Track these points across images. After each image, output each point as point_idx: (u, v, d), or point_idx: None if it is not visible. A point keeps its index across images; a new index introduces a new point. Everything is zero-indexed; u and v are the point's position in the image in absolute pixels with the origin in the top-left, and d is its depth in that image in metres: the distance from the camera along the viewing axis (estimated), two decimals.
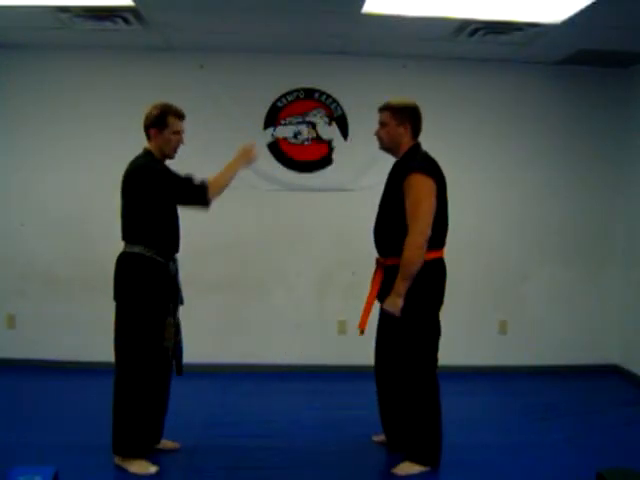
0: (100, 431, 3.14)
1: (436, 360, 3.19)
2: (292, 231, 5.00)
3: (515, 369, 5.04)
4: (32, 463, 2.89)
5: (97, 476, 3.08)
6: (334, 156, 4.99)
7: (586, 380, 4.94)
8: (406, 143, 3.22)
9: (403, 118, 3.19)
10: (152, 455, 3.24)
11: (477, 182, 4.98)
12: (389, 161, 3.38)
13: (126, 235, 3.12)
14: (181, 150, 3.25)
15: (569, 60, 4.83)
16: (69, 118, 4.85)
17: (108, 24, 4.17)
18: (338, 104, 4.95)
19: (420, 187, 3.05)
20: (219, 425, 3.82)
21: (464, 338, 4.89)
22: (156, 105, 3.15)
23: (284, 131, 4.96)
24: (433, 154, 3.23)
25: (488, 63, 4.93)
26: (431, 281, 3.10)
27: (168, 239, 3.14)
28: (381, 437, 3.54)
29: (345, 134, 4.98)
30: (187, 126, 3.23)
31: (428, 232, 3.04)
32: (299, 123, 4.96)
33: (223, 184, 3.23)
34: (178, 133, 3.17)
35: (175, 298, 3.20)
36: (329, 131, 4.97)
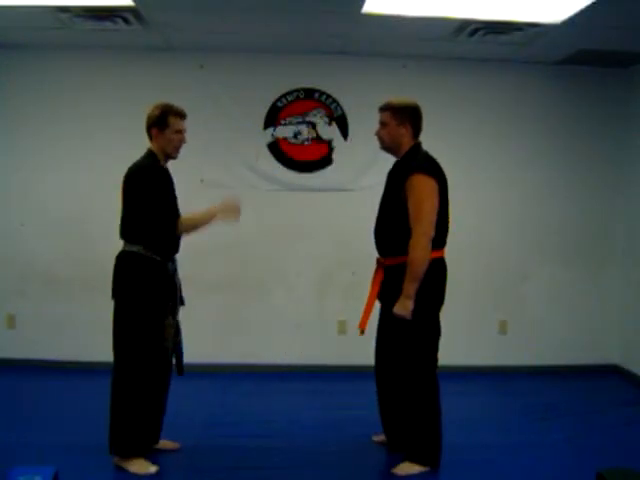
0: (100, 431, 3.14)
1: (436, 360, 3.19)
2: (292, 231, 5.00)
3: (515, 369, 5.04)
4: (32, 463, 2.89)
5: (97, 476, 3.08)
6: (334, 156, 4.99)
7: (586, 380, 4.94)
8: (407, 143, 3.22)
9: (404, 118, 3.19)
10: (152, 455, 3.24)
11: (477, 182, 4.99)
12: (389, 161, 3.38)
13: (125, 234, 3.12)
14: (181, 150, 3.24)
15: (569, 60, 4.83)
16: (69, 118, 4.85)
17: (108, 24, 4.17)
18: (338, 104, 4.95)
19: (422, 187, 3.05)
20: (219, 425, 3.82)
21: (464, 338, 4.88)
22: (157, 105, 3.16)
23: (284, 131, 4.96)
24: (433, 154, 3.23)
25: (488, 63, 4.94)
26: (432, 281, 3.09)
27: (166, 238, 3.13)
28: (381, 437, 3.54)
29: (345, 134, 4.98)
30: (187, 126, 3.23)
31: (432, 232, 3.04)
32: (299, 123, 4.96)
33: (190, 229, 3.20)
34: (180, 132, 3.17)
35: (174, 298, 3.20)
36: (329, 131, 4.97)
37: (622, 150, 5.09)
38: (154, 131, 3.14)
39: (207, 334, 4.76)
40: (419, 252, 3.02)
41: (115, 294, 3.11)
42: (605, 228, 5.19)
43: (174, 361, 3.27)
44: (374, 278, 3.32)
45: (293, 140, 4.97)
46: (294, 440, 3.61)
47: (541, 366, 5.08)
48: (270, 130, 4.95)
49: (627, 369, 5.04)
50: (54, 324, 4.86)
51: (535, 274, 5.13)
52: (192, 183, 4.65)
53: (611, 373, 5.12)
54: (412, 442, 3.21)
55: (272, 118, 4.94)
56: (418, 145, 3.25)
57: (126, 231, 3.12)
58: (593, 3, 3.51)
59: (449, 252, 3.23)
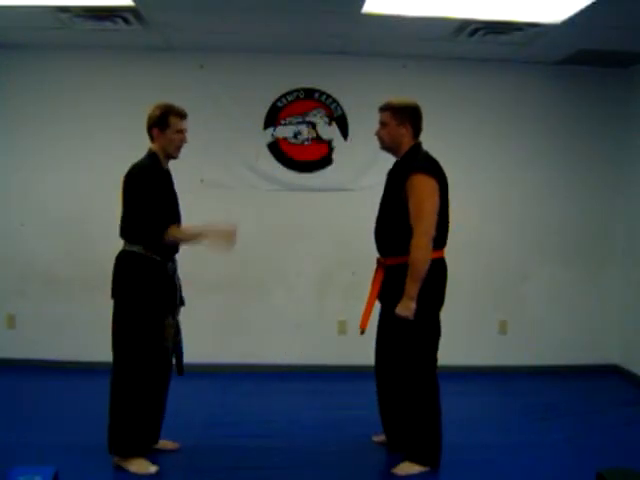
0: (100, 431, 3.14)
1: (436, 360, 3.19)
2: (292, 231, 5.00)
3: (515, 369, 5.04)
4: (32, 463, 2.89)
5: (97, 476, 3.08)
6: (334, 156, 4.99)
7: (586, 380, 4.94)
8: (407, 143, 3.22)
9: (404, 118, 3.19)
10: (152, 455, 3.24)
11: (477, 182, 4.98)
12: (389, 161, 3.38)
13: (125, 234, 3.12)
14: (182, 150, 3.24)
15: (569, 60, 4.83)
16: (69, 118, 4.85)
17: (108, 24, 4.17)
18: (338, 104, 4.95)
19: (423, 187, 3.05)
20: (219, 425, 3.82)
21: (464, 338, 4.88)
22: (158, 105, 3.16)
23: (284, 131, 4.96)
24: (433, 154, 3.23)
25: (488, 63, 4.94)
26: (432, 281, 3.09)
27: (153, 242, 3.13)
28: (381, 437, 3.54)
29: (345, 134, 4.98)
30: (187, 126, 3.23)
31: (432, 232, 3.04)
32: (299, 123, 4.96)
33: (179, 240, 3.16)
34: (181, 132, 3.17)
35: (174, 298, 3.20)
36: (329, 131, 4.97)
37: (622, 150, 5.09)
38: (155, 131, 3.13)
39: (207, 334, 4.76)
40: (421, 252, 3.02)
41: (114, 294, 3.11)
42: (605, 228, 5.19)
43: (174, 361, 3.27)
44: (374, 278, 3.32)
45: (293, 140, 4.97)
46: (294, 440, 3.61)
47: (541, 366, 5.08)
48: (270, 130, 4.95)
49: (627, 369, 5.04)
50: (54, 324, 4.86)
51: (535, 274, 5.13)
52: (192, 183, 4.65)
53: (611, 373, 5.12)
54: (412, 442, 3.21)
55: (272, 118, 4.94)
56: (418, 145, 3.25)
57: (126, 231, 3.12)
58: (593, 3, 3.51)
59: (449, 252, 3.23)
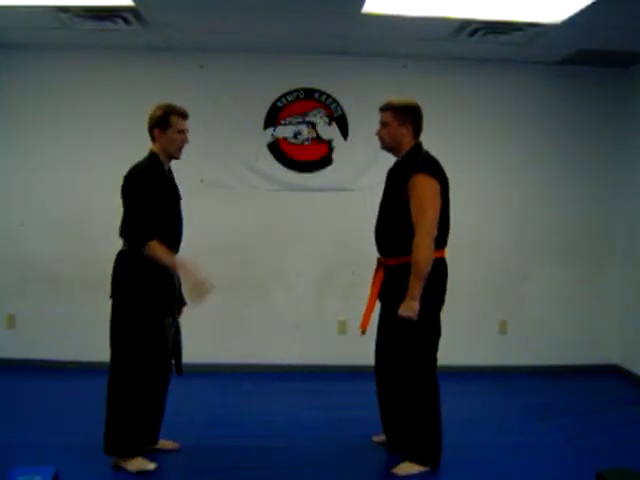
0: (100, 431, 3.13)
1: (436, 360, 3.19)
2: (292, 231, 5.00)
3: (515, 369, 5.04)
4: (32, 463, 2.89)
5: (97, 476, 3.08)
6: (334, 156, 4.99)
7: (586, 380, 4.94)
8: (407, 143, 3.22)
9: (405, 118, 3.19)
10: (152, 455, 3.24)
11: (477, 182, 4.98)
12: (389, 161, 3.38)
13: (124, 234, 3.12)
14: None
15: (569, 60, 4.83)
16: (69, 118, 4.85)
17: (108, 24, 4.17)
18: (338, 104, 4.95)
19: (424, 187, 3.05)
20: (219, 425, 3.83)
21: (464, 338, 4.88)
22: (159, 105, 3.15)
23: (284, 131, 4.96)
24: (433, 154, 3.23)
25: (488, 63, 4.93)
26: (432, 281, 3.08)
27: (164, 240, 3.11)
28: (381, 437, 3.54)
29: (345, 134, 4.98)
30: (187, 126, 3.22)
31: (434, 232, 3.04)
32: (299, 123, 4.96)
33: (155, 257, 3.04)
34: (182, 132, 3.16)
35: (173, 298, 3.20)
36: (329, 131, 4.97)
37: (622, 150, 5.09)
38: (156, 131, 3.13)
39: (207, 334, 4.76)
40: (423, 252, 3.02)
41: (113, 294, 3.11)
42: (605, 228, 5.19)
43: (173, 361, 3.27)
44: (375, 278, 3.32)
45: (293, 140, 4.97)
46: (294, 440, 3.61)
47: (541, 366, 5.08)
48: (270, 130, 4.95)
49: (627, 369, 5.04)
50: (54, 324, 4.86)
51: (535, 274, 5.13)
52: (192, 183, 4.64)
53: (611, 373, 5.12)
54: (412, 442, 3.21)
55: (272, 118, 4.94)
56: (419, 145, 3.25)
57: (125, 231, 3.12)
58: (593, 3, 3.51)
59: (449, 252, 3.23)
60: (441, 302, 3.20)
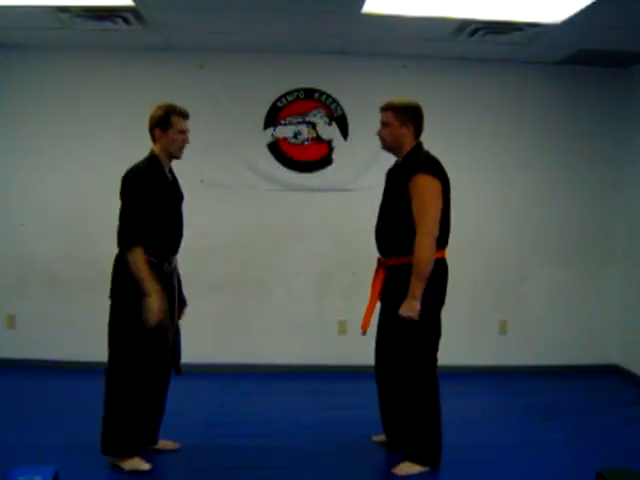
0: (100, 431, 3.14)
1: (436, 360, 3.19)
2: (292, 231, 5.00)
3: (515, 369, 5.04)
4: (32, 463, 2.89)
5: (97, 476, 3.08)
6: (334, 156, 4.99)
7: (586, 380, 4.94)
8: (408, 143, 3.22)
9: (406, 118, 3.19)
10: (152, 455, 3.24)
11: (477, 182, 4.98)
12: (389, 161, 3.38)
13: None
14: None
15: (569, 60, 4.83)
16: (69, 118, 4.85)
17: (108, 24, 4.17)
18: (338, 104, 4.95)
19: (426, 187, 3.05)
20: (219, 425, 3.82)
21: (464, 338, 4.88)
22: (160, 106, 3.15)
23: (284, 131, 4.96)
24: (433, 154, 3.23)
25: (488, 63, 4.93)
26: (433, 281, 3.08)
27: (161, 241, 3.11)
28: (381, 437, 3.54)
29: (345, 134, 4.97)
30: (188, 126, 3.22)
31: (436, 232, 3.05)
32: (299, 123, 4.96)
33: (133, 268, 2.99)
34: (183, 132, 3.16)
35: (172, 299, 3.19)
36: (329, 131, 4.97)
37: (622, 150, 5.09)
38: (157, 131, 3.12)
39: (207, 334, 4.76)
40: (424, 252, 3.02)
41: (112, 294, 3.11)
42: (605, 228, 5.19)
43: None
44: (375, 278, 3.32)
45: (293, 140, 4.97)
46: (294, 440, 3.61)
47: (541, 366, 5.08)
48: (270, 130, 4.95)
49: (627, 369, 5.04)
50: (54, 324, 4.86)
51: (535, 274, 5.13)
52: (192, 183, 4.63)
53: (611, 373, 5.12)
54: (412, 442, 3.21)
55: (272, 118, 4.94)
56: (419, 145, 3.25)
57: None
58: (593, 3, 3.51)
59: (449, 252, 3.22)
60: (441, 302, 3.20)
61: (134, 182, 3.04)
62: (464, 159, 4.86)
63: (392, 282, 3.17)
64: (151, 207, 3.03)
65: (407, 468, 3.18)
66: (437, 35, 4.33)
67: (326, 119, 4.97)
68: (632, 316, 4.99)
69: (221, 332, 4.95)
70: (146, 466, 3.12)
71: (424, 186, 3.05)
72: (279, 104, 4.94)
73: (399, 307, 3.06)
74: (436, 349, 3.19)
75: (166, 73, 4.82)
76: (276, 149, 4.97)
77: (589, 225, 5.17)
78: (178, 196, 3.29)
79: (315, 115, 4.95)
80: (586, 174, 5.13)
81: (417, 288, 3.01)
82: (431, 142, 3.30)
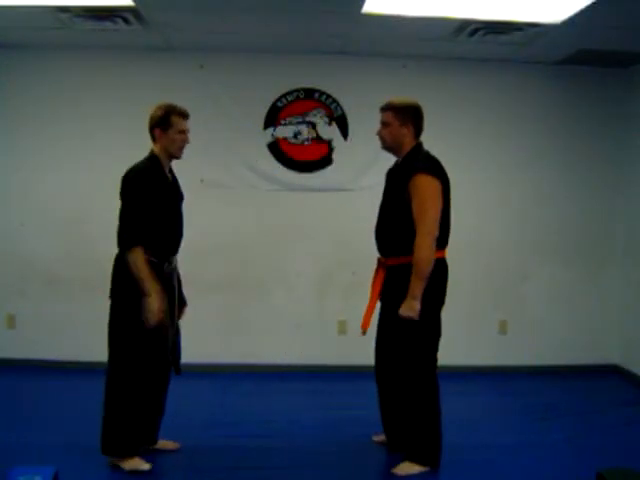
0: (100, 431, 3.14)
1: (436, 360, 3.19)
2: (292, 231, 5.00)
3: (515, 369, 5.04)
4: (32, 463, 2.89)
5: (97, 476, 3.08)
6: (334, 156, 4.99)
7: (586, 380, 4.94)
8: (409, 143, 3.22)
9: (406, 118, 3.19)
10: (151, 455, 3.24)
11: (477, 182, 4.98)
12: (389, 161, 3.39)
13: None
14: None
15: (569, 60, 4.83)
16: (69, 118, 4.85)
17: (108, 24, 4.17)
18: (338, 104, 4.95)
19: (426, 187, 3.05)
20: (219, 425, 3.82)
21: (464, 338, 4.88)
22: (160, 105, 3.14)
23: (284, 131, 4.96)
24: (433, 154, 3.23)
25: (488, 63, 4.93)
26: (433, 281, 3.08)
27: (161, 241, 3.11)
28: (381, 437, 3.54)
29: (345, 134, 4.97)
30: (188, 126, 3.22)
31: (436, 232, 3.05)
32: (299, 123, 4.96)
33: (133, 267, 2.99)
34: (183, 132, 3.16)
35: (172, 299, 3.19)
36: (329, 131, 4.97)
37: (622, 150, 5.09)
38: (157, 132, 3.12)
39: (207, 334, 4.76)
40: (425, 252, 3.02)
41: (112, 294, 3.10)
42: (605, 228, 5.18)
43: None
44: (375, 278, 3.32)
45: (293, 140, 4.97)
46: (294, 440, 3.61)
47: (541, 366, 5.08)
48: (270, 130, 4.95)
49: (627, 369, 5.04)
50: (54, 324, 4.86)
51: (535, 274, 5.13)
52: (192, 183, 4.63)
53: (611, 373, 5.12)
54: (412, 442, 3.21)
55: (272, 118, 4.94)
56: (420, 145, 3.25)
57: None
58: (593, 3, 3.51)
59: (449, 252, 3.23)
60: (441, 302, 3.20)
61: (134, 182, 3.04)
62: (464, 159, 4.86)
63: (392, 282, 3.17)
64: (151, 207, 3.03)
65: (407, 468, 3.18)
66: (437, 35, 4.33)
67: (326, 119, 4.97)
68: (632, 316, 4.99)
69: (221, 332, 4.95)
70: (146, 466, 3.12)
71: (424, 186, 3.05)
72: (279, 104, 4.94)
73: (399, 307, 3.06)
74: (436, 349, 3.19)
75: (166, 73, 4.82)
76: (276, 149, 4.97)
77: (589, 225, 5.17)
78: (178, 196, 3.29)
79: (315, 115, 4.95)
80: (586, 174, 5.13)
81: (417, 288, 3.02)
82: (431, 142, 3.30)
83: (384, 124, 3.24)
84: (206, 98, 4.81)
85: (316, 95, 4.95)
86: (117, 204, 3.14)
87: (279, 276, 5.03)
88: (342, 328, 4.99)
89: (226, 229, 4.94)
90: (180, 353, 3.31)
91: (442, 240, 3.14)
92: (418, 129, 3.23)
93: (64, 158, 4.87)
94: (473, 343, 5.05)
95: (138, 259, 2.98)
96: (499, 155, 5.07)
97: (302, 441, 3.60)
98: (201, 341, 4.48)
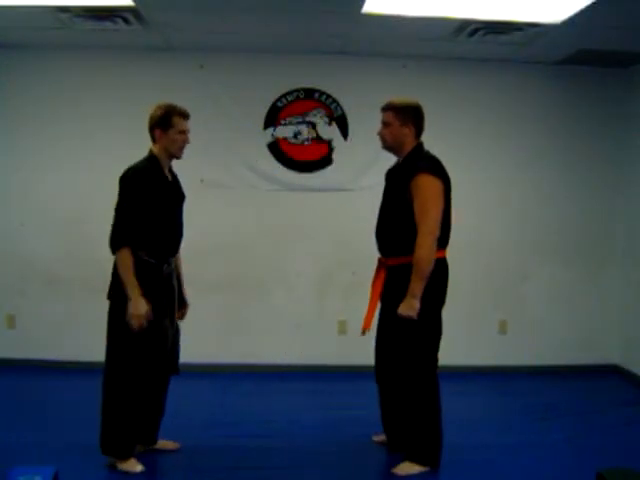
0: (99, 431, 3.14)
1: (436, 360, 3.19)
2: (292, 231, 5.00)
3: (515, 369, 5.04)
4: (32, 463, 2.89)
5: (97, 476, 3.08)
6: (334, 156, 4.98)
7: (586, 380, 4.94)
8: (409, 143, 3.22)
9: (407, 118, 3.19)
10: (151, 455, 3.24)
11: (477, 182, 4.98)
12: (389, 161, 3.38)
13: None
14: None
15: (569, 60, 4.83)
16: (69, 118, 4.85)
17: (108, 24, 4.17)
18: (338, 104, 4.95)
19: (428, 187, 3.06)
20: (219, 425, 3.82)
21: (464, 338, 4.88)
22: (160, 105, 3.13)
23: (284, 131, 4.96)
24: (433, 154, 3.23)
25: (488, 63, 4.93)
26: (434, 281, 3.08)
27: (159, 242, 3.10)
28: (381, 437, 3.54)
29: (345, 134, 4.97)
30: (189, 126, 3.22)
31: (437, 232, 3.05)
32: (299, 123, 4.96)
33: (120, 268, 3.00)
34: (183, 132, 3.15)
35: (171, 300, 3.19)
36: (329, 131, 4.97)
37: (622, 150, 5.09)
38: (157, 132, 3.11)
39: (207, 334, 4.76)
40: (425, 251, 3.02)
41: (111, 294, 3.09)
42: (605, 228, 5.19)
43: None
44: (376, 278, 3.32)
45: (293, 140, 4.97)
46: (294, 440, 3.61)
47: (541, 366, 5.08)
48: (270, 130, 4.95)
49: (627, 369, 5.04)
50: (54, 324, 4.86)
51: (535, 274, 5.13)
52: (192, 183, 4.62)
53: (611, 373, 5.12)
54: (412, 442, 3.21)
55: (272, 118, 4.94)
56: (420, 145, 3.25)
57: None
58: (593, 3, 3.51)
59: (449, 252, 3.22)
60: (442, 302, 3.20)
61: (129, 182, 3.03)
62: (464, 159, 4.86)
63: (393, 282, 3.17)
64: (147, 208, 3.02)
65: (407, 468, 3.18)
66: (437, 35, 4.33)
67: (326, 119, 4.97)
68: (632, 316, 4.99)
69: (221, 332, 4.95)
70: (138, 468, 3.11)
71: (426, 186, 3.06)
72: (279, 104, 4.94)
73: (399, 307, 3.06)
74: (437, 349, 3.19)
75: (166, 73, 4.82)
76: (276, 149, 4.97)
77: (589, 225, 5.17)
78: (178, 196, 3.28)
79: (315, 115, 4.95)
80: (586, 174, 5.13)
81: (417, 287, 3.02)
82: (431, 142, 3.30)
83: (385, 124, 3.24)
84: (206, 98, 4.81)
85: (316, 95, 4.95)
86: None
87: (279, 276, 5.03)
88: (342, 328, 4.99)
89: (226, 229, 4.94)
90: (179, 353, 3.31)
91: (443, 240, 3.14)
92: (419, 129, 3.23)
93: (64, 158, 4.87)
94: (473, 343, 5.05)
95: (125, 261, 2.97)
96: (499, 155, 5.07)
97: (302, 441, 3.60)
98: (201, 341, 4.48)
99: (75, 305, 4.86)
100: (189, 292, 3.44)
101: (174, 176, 3.28)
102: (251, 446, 3.49)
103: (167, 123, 3.09)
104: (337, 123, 4.97)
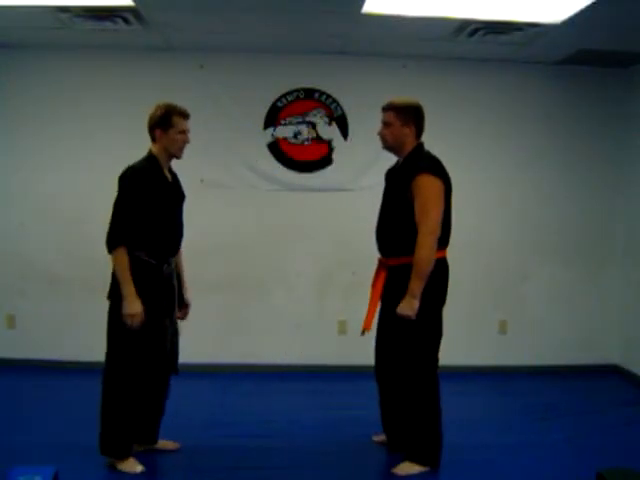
0: (98, 431, 3.14)
1: (437, 360, 3.19)
2: (292, 231, 5.00)
3: (515, 369, 5.04)
4: (32, 463, 2.89)
5: (97, 476, 3.08)
6: (334, 156, 4.98)
7: (586, 380, 4.94)
8: (410, 143, 3.22)
9: (407, 118, 3.19)
10: (151, 455, 3.24)
11: (477, 182, 4.98)
12: (389, 161, 3.39)
13: None
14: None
15: (569, 60, 4.83)
16: (69, 118, 4.85)
17: (108, 24, 4.17)
18: (338, 104, 4.95)
19: (429, 187, 3.06)
20: (219, 425, 3.83)
21: (464, 338, 4.88)
22: (160, 105, 3.13)
23: (284, 131, 4.96)
24: (433, 154, 3.23)
25: (488, 63, 4.93)
26: (434, 281, 3.09)
27: (159, 242, 3.10)
28: (381, 437, 3.54)
29: (345, 134, 4.97)
30: (189, 126, 3.22)
31: (438, 232, 3.05)
32: (299, 123, 4.96)
33: (116, 267, 3.00)
34: (183, 132, 3.15)
35: (171, 300, 3.19)
36: (329, 131, 4.97)
37: (622, 150, 5.09)
38: (157, 132, 3.11)
39: (207, 334, 4.76)
40: (426, 251, 3.02)
41: (111, 294, 3.09)
42: (605, 228, 5.19)
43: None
44: (376, 279, 3.31)
45: (293, 140, 4.97)
46: (294, 440, 3.61)
47: (541, 366, 5.08)
48: (270, 130, 4.95)
49: (627, 369, 5.04)
50: (54, 324, 4.86)
51: (535, 274, 5.13)
52: (192, 183, 4.62)
53: (611, 373, 5.12)
54: (412, 442, 3.21)
55: (272, 118, 4.94)
56: (421, 145, 3.25)
57: None
58: (593, 3, 3.51)
59: (449, 252, 3.22)
60: (442, 302, 3.20)
61: (127, 181, 3.02)
62: (464, 159, 4.85)
63: (393, 282, 3.17)
64: (145, 207, 3.02)
65: (407, 468, 3.18)
66: (437, 35, 4.33)
67: (326, 119, 4.97)
68: (632, 316, 4.99)
69: (221, 332, 4.95)
70: (139, 468, 3.11)
71: (427, 186, 3.06)
72: (279, 104, 4.94)
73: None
74: (437, 349, 3.19)
75: (166, 73, 4.82)
76: (276, 149, 4.97)
77: (589, 225, 5.17)
78: (178, 196, 3.28)
79: (315, 115, 4.95)
80: (586, 174, 5.13)
81: (416, 287, 3.02)
82: (431, 142, 3.30)
83: (385, 124, 3.24)
84: (206, 98, 4.81)
85: (316, 95, 4.95)
86: None
87: (279, 276, 5.03)
88: (342, 328, 4.99)
89: (226, 229, 4.94)
90: (178, 353, 3.31)
91: (443, 240, 3.14)
92: (419, 129, 3.23)
93: (64, 158, 4.87)
94: (473, 343, 5.05)
95: (121, 261, 2.96)
96: (499, 155, 5.07)
97: (302, 441, 3.60)
98: (201, 341, 4.48)
99: (75, 305, 4.86)
100: (189, 292, 3.44)
101: (174, 176, 3.28)
102: (251, 446, 3.49)
103: (167, 123, 3.09)
104: (337, 123, 4.97)
